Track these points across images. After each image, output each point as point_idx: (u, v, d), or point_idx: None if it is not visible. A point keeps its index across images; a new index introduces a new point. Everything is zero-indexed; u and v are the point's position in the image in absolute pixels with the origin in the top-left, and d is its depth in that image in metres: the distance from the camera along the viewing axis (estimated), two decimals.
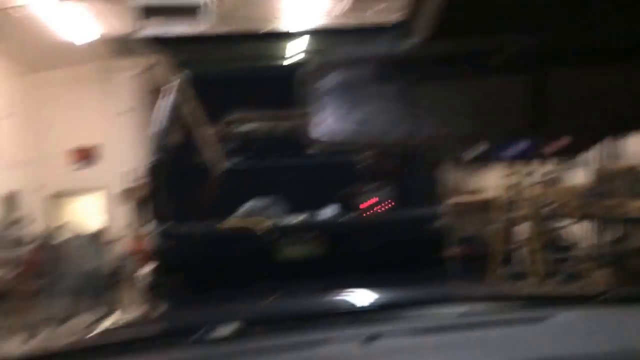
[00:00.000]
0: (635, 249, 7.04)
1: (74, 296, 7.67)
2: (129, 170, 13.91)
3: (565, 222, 8.05)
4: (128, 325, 1.73)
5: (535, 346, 1.13)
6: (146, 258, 4.70)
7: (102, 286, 8.16)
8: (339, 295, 1.56)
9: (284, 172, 5.05)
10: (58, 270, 8.27)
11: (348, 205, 4.81)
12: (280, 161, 5.12)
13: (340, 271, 4.21)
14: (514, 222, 8.34)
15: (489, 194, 10.12)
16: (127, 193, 13.94)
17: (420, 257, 4.41)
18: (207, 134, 5.08)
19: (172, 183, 4.67)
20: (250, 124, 5.31)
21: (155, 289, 4.45)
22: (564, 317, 1.32)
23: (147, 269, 4.65)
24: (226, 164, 5.10)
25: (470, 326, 1.30)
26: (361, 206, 4.82)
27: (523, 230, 8.15)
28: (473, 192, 10.98)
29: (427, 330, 1.27)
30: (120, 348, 1.26)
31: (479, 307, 1.57)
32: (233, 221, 4.61)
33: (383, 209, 4.79)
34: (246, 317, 1.56)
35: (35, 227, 12.57)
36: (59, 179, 13.90)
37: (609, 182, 7.17)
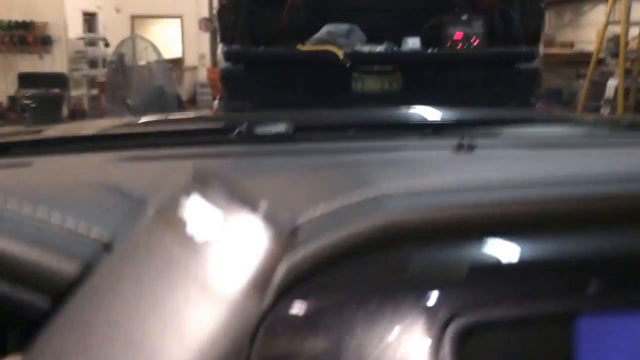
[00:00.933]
0: None
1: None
2: None
3: None
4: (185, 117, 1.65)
5: None
6: (219, 84, 4.65)
7: (174, 109, 8.32)
8: (427, 110, 1.36)
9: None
10: (132, 92, 8.41)
11: (432, 39, 4.50)
12: None
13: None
14: (606, 78, 7.80)
15: (583, 46, 9.45)
16: (204, 20, 13.85)
17: (505, 100, 4.15)
18: None
19: (247, 7, 4.48)
20: None
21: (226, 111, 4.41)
22: None
23: (220, 95, 4.61)
24: None
25: (578, 144, 1.13)
26: (446, 40, 4.49)
27: (615, 86, 7.62)
28: (566, 43, 10.30)
29: (530, 144, 1.08)
30: (171, 137, 1.20)
31: (584, 128, 1.37)
32: (308, 46, 4.40)
33: (469, 44, 4.45)
34: (320, 121, 1.41)
35: (113, 48, 12.67)
36: (138, 2, 13.74)
37: None
